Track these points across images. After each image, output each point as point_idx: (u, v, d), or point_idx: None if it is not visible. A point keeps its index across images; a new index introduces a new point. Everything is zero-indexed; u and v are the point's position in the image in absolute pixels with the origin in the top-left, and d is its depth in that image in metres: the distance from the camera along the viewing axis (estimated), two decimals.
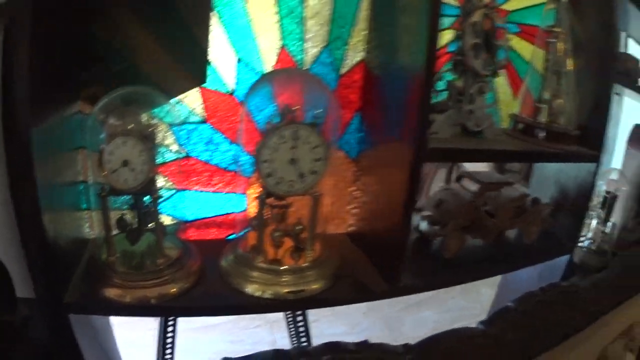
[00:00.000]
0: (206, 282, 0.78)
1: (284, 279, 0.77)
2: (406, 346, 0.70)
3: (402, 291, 0.84)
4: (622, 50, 1.37)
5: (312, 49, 0.91)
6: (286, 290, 0.76)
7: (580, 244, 1.20)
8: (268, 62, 0.89)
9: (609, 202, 1.32)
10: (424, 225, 0.98)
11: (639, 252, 1.25)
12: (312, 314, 1.37)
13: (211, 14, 0.83)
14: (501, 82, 1.15)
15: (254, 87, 0.81)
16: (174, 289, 0.74)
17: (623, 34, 1.43)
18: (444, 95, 0.90)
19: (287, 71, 0.90)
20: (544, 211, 1.09)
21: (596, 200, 1.29)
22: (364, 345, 0.69)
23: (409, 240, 0.83)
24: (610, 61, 1.04)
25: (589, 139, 1.02)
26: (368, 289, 0.81)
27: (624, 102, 1.63)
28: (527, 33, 1.15)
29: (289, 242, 0.81)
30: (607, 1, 0.99)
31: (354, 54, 0.94)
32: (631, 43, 1.54)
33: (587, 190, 1.10)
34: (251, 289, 0.76)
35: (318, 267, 0.80)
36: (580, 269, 1.22)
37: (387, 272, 0.83)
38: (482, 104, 0.87)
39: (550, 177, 1.18)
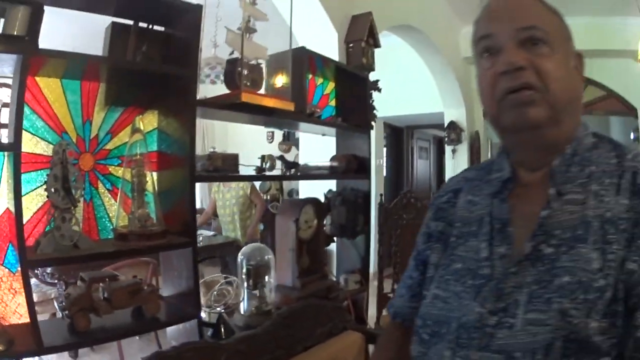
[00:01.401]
0: None
1: None
2: None
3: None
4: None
5: None
6: None
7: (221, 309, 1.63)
8: None
9: (253, 272, 1.82)
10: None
11: (298, 306, 1.62)
12: None
13: None
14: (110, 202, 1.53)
15: None
16: None
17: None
18: None
19: None
20: (155, 292, 1.47)
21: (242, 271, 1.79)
22: None
23: None
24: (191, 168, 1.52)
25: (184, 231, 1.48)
26: None
27: None
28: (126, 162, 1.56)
29: None
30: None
31: None
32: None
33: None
34: None
35: None
36: (243, 329, 1.63)
37: None
38: (68, 226, 1.24)
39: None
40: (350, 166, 2.44)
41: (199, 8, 1.57)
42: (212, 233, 5.49)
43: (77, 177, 1.27)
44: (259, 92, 1.75)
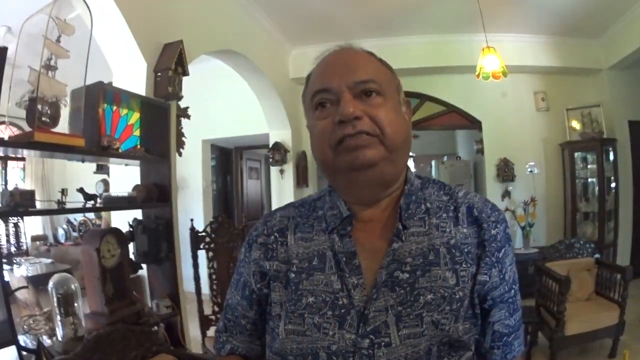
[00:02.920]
0: None
1: None
2: None
3: None
4: None
5: None
6: None
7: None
8: None
9: (62, 300, 1.96)
10: None
11: (106, 332, 1.78)
12: None
13: None
14: None
15: None
16: None
17: None
18: None
19: None
20: None
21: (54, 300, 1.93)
22: None
23: None
24: None
25: None
26: None
27: None
28: None
29: None
30: None
31: None
32: None
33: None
34: None
35: None
36: (62, 354, 1.76)
37: None
38: None
39: None
40: (151, 195, 2.62)
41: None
42: (49, 261, 5.45)
43: None
44: (54, 129, 1.91)
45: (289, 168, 6.09)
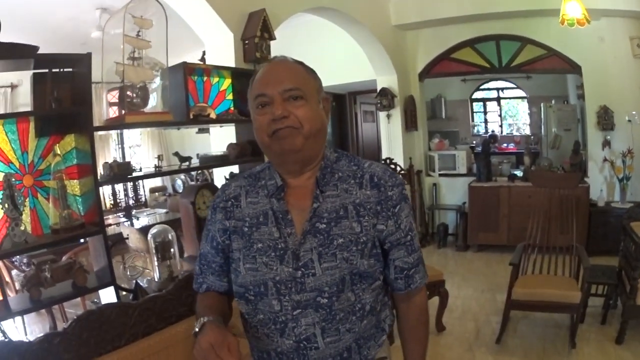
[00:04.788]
0: None
1: None
2: None
3: None
4: None
5: None
6: None
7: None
8: None
9: (160, 247, 2.52)
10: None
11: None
12: None
13: None
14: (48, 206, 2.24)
15: None
16: None
17: None
18: None
19: None
20: (82, 269, 2.20)
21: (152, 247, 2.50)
22: None
23: None
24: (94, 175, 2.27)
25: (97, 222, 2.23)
26: None
27: None
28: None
29: None
30: None
31: None
32: None
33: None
34: None
35: None
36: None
37: None
38: (19, 229, 1.98)
39: None
40: (245, 151, 3.03)
41: (88, 56, 2.22)
42: (164, 211, 6.13)
43: (19, 194, 2.00)
44: (144, 109, 2.43)
45: (397, 113, 6.38)
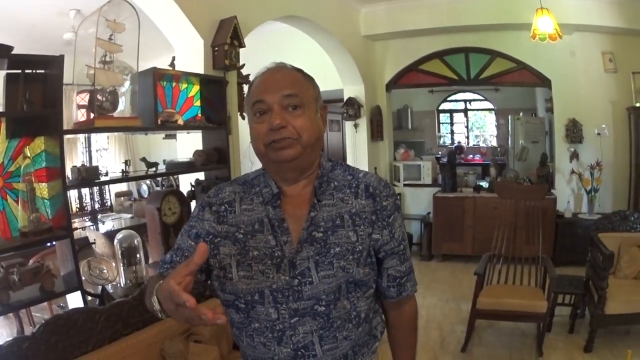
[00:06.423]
0: None
1: None
2: None
3: None
4: None
5: None
6: None
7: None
8: None
9: (126, 253, 2.57)
10: None
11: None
12: None
13: None
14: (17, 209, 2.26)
15: None
16: None
17: None
18: None
19: None
20: (49, 273, 2.23)
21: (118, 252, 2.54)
22: None
23: None
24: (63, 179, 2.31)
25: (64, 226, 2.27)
26: None
27: None
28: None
29: None
30: None
31: None
32: None
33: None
34: None
35: None
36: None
37: None
38: None
39: None
40: (211, 158, 3.12)
41: (60, 59, 2.26)
42: (130, 216, 6.11)
43: None
44: (113, 114, 2.48)
45: (363, 122, 6.47)
